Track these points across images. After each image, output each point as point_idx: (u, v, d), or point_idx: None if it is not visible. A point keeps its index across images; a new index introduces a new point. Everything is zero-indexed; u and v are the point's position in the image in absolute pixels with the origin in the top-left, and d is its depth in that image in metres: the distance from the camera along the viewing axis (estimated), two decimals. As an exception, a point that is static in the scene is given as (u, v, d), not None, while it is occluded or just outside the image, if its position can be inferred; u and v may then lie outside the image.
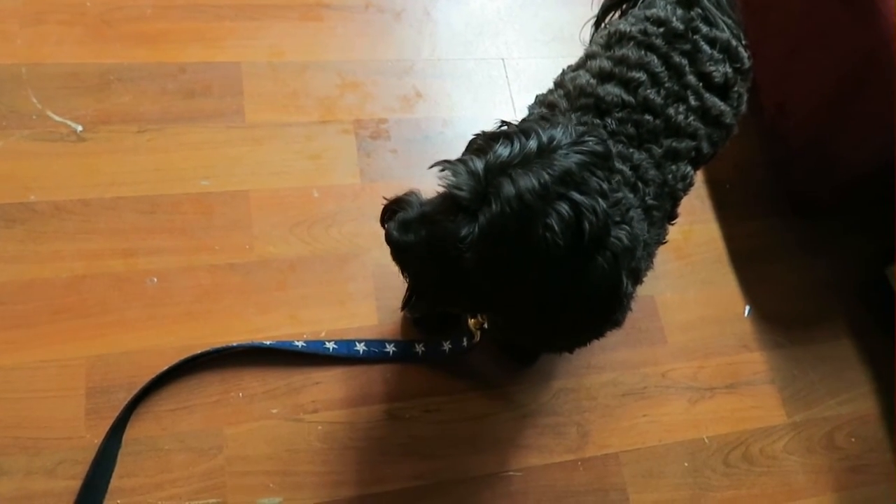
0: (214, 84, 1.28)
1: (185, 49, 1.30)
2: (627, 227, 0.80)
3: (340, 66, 1.36)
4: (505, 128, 0.82)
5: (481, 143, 0.76)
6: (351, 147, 1.28)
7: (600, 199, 0.73)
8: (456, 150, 1.32)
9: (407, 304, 1.11)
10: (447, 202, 0.73)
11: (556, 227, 0.70)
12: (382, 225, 0.83)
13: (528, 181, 0.69)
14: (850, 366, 1.33)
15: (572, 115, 0.90)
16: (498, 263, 0.73)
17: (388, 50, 1.40)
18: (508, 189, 0.69)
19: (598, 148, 0.75)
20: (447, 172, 0.73)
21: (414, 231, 0.76)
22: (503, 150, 0.72)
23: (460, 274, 0.74)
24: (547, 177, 0.70)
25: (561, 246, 0.70)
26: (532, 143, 0.72)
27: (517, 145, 0.72)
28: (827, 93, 1.27)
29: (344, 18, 1.41)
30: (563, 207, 0.70)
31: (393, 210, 0.81)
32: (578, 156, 0.73)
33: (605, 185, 0.75)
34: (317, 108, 1.30)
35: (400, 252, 0.79)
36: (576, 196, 0.71)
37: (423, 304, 1.09)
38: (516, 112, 1.39)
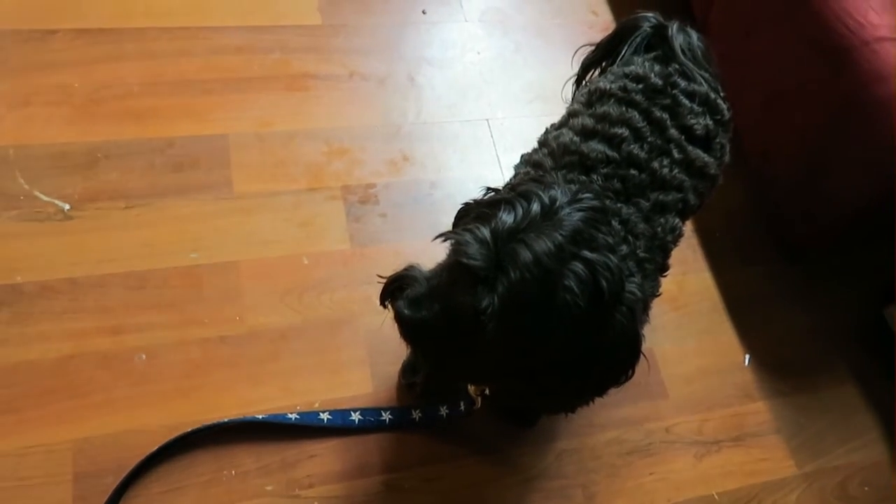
0: (202, 157, 1.28)
1: (172, 124, 1.31)
2: (636, 280, 0.79)
3: (327, 133, 1.37)
4: (493, 194, 0.82)
5: (483, 211, 0.74)
6: (340, 213, 1.28)
7: (611, 255, 0.73)
8: (444, 212, 1.33)
9: (427, 386, 1.09)
10: (456, 273, 0.72)
11: (576, 289, 0.69)
12: (383, 304, 0.81)
13: (543, 245, 0.69)
14: (856, 411, 1.30)
15: (558, 174, 0.90)
16: (520, 331, 0.71)
17: (373, 116, 1.42)
18: (525, 255, 0.68)
19: (596, 203, 0.75)
20: (455, 243, 0.71)
21: (426, 307, 0.74)
22: (507, 217, 0.71)
23: (480, 346, 0.72)
24: (560, 238, 0.69)
25: (581, 306, 0.70)
26: (535, 206, 0.71)
27: (520, 210, 0.71)
28: (808, 139, 1.29)
29: (329, 87, 1.43)
30: (579, 267, 0.70)
31: (397, 287, 0.78)
32: (581, 213, 0.73)
33: (610, 240, 0.74)
34: (304, 175, 1.31)
35: (414, 331, 0.76)
36: (588, 255, 0.70)
37: (441, 381, 1.07)
38: (503, 171, 1.40)
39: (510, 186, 0.82)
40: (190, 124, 1.32)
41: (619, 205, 0.89)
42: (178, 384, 1.06)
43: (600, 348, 0.76)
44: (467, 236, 0.70)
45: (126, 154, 1.26)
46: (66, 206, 1.17)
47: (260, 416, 1.04)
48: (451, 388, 1.08)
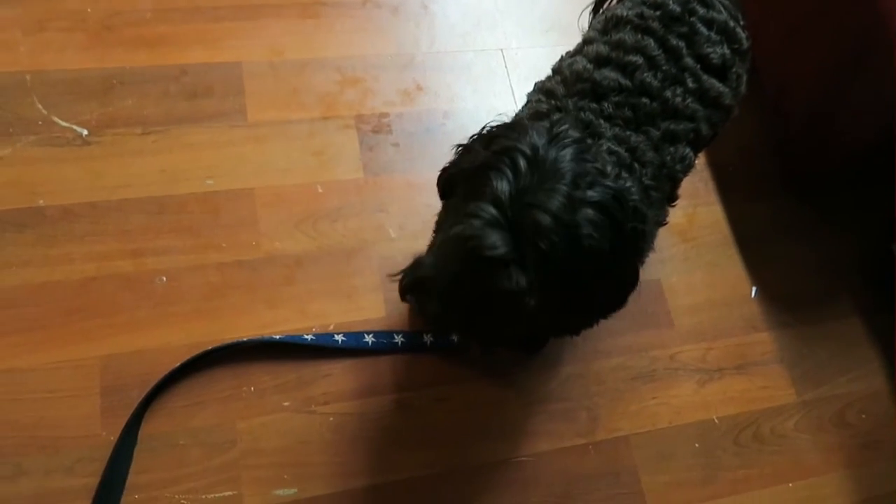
0: (216, 85, 1.29)
1: (185, 51, 1.31)
2: (636, 195, 0.81)
3: (340, 62, 1.36)
4: (461, 149, 0.82)
5: (473, 185, 0.72)
6: (353, 142, 1.29)
7: (607, 182, 0.73)
8: (457, 142, 1.34)
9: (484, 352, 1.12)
10: (474, 259, 0.69)
11: (595, 234, 0.70)
12: (403, 298, 0.81)
13: (555, 202, 0.68)
14: (858, 343, 1.33)
15: (569, 101, 0.91)
16: (557, 290, 0.72)
17: (387, 45, 1.41)
18: (545, 220, 0.67)
19: (574, 133, 0.75)
20: (466, 237, 0.68)
21: (461, 301, 0.73)
22: (502, 185, 0.69)
23: (520, 315, 0.73)
24: (565, 188, 0.69)
25: (606, 247, 0.71)
26: (521, 162, 0.70)
27: (509, 172, 0.70)
28: (827, 71, 1.27)
29: (341, 15, 1.41)
30: (590, 213, 0.70)
31: (421, 290, 0.78)
32: (567, 150, 0.72)
33: (598, 165, 0.75)
34: (318, 104, 1.31)
35: (457, 328, 0.79)
36: (594, 196, 0.71)
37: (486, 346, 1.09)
38: (516, 102, 1.40)
39: (486, 138, 0.80)
40: (203, 52, 1.32)
41: (627, 133, 0.89)
42: (198, 306, 1.10)
43: (620, 271, 0.78)
44: (476, 223, 0.68)
45: (141, 81, 1.26)
46: (84, 132, 1.19)
47: (277, 337, 1.08)
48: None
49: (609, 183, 0.73)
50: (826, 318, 1.34)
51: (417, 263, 0.79)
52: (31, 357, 1.03)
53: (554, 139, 0.73)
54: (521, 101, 1.06)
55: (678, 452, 1.16)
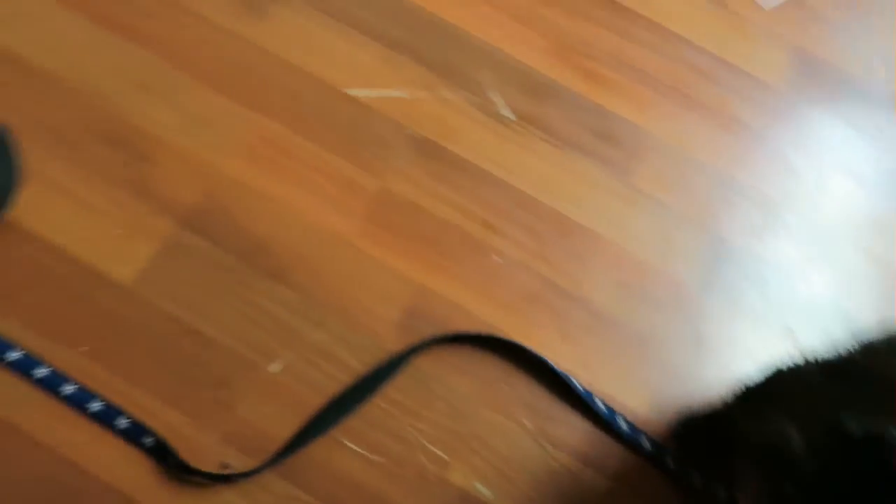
0: (622, 138, 1.39)
1: (613, 98, 1.43)
2: None
3: (738, 183, 1.41)
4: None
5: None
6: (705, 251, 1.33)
7: None
8: None
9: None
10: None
11: None
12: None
13: None
14: None
15: None
16: None
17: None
18: None
19: None
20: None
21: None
22: None
23: None
24: None
25: None
26: None
27: None
28: None
29: (756, 142, 1.46)
30: None
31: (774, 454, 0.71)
32: None
33: None
34: (695, 213, 1.37)
35: None
36: None
37: None
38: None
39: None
40: (628, 107, 1.43)
41: None
42: (511, 301, 1.20)
43: None
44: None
45: (568, 100, 1.41)
46: (510, 115, 1.36)
47: (559, 370, 1.13)
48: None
49: None
50: None
51: (779, 433, 0.72)
52: (367, 245, 1.20)
53: None
54: None
55: None
